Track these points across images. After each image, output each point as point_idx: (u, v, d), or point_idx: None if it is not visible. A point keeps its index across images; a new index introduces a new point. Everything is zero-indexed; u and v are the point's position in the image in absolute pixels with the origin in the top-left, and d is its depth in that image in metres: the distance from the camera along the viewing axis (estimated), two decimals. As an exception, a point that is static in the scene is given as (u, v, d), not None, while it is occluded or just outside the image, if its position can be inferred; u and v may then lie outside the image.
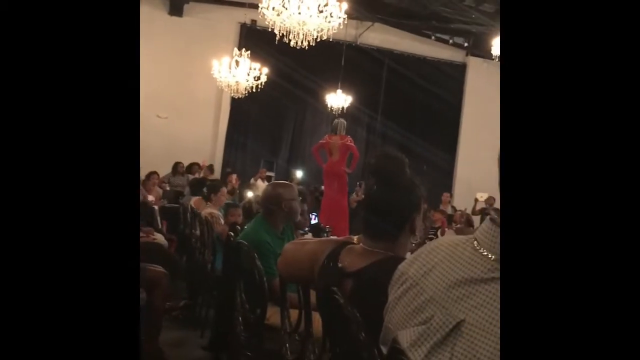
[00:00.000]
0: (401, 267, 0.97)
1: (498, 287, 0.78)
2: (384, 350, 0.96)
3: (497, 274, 0.79)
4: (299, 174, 10.81)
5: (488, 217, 0.86)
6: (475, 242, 0.85)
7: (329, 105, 10.54)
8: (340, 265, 1.41)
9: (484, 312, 0.77)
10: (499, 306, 0.76)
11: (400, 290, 0.93)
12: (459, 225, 7.47)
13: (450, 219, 8.24)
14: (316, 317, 1.67)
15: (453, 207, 9.70)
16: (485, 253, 0.82)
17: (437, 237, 7.49)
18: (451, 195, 10.67)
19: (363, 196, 1.50)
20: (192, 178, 8.23)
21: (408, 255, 1.39)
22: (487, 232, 0.84)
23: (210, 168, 10.04)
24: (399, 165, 1.45)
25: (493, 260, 0.81)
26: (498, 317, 0.75)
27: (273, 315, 2.26)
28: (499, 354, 0.73)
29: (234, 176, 9.28)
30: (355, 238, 1.56)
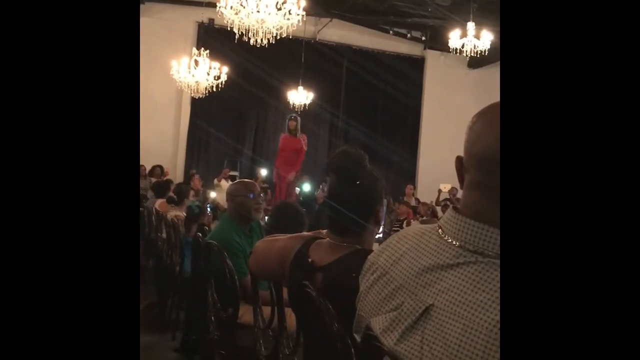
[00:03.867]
0: (371, 257, 1.01)
1: (463, 271, 0.82)
2: (358, 337, 1.00)
3: (462, 260, 0.83)
4: (263, 172, 10.77)
5: (451, 206, 0.91)
6: (440, 230, 0.90)
7: (290, 102, 10.56)
8: (310, 260, 1.44)
9: (450, 296, 0.82)
10: (464, 289, 0.81)
11: (371, 280, 0.97)
12: (424, 218, 7.59)
13: (415, 211, 8.36)
14: (289, 312, 1.70)
15: (417, 199, 9.84)
16: (450, 240, 0.87)
17: (402, 228, 7.60)
18: (414, 187, 10.82)
19: (327, 193, 1.53)
20: (155, 181, 8.13)
21: (375, 246, 1.44)
22: (450, 221, 0.88)
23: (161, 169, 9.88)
24: (358, 161, 1.48)
25: (457, 246, 0.85)
26: (464, 300, 0.80)
27: (245, 313, 2.28)
28: (467, 335, 0.77)
29: (197, 177, 9.22)
30: (324, 232, 1.59)
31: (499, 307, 0.76)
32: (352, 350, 1.07)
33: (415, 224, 7.60)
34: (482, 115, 0.87)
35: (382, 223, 1.52)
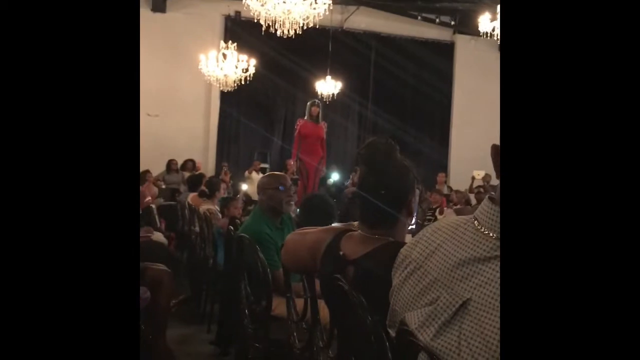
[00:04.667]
0: (404, 250, 0.99)
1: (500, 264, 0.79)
2: (392, 332, 0.98)
3: (499, 252, 0.80)
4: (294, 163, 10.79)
5: (487, 196, 0.87)
6: (476, 221, 0.86)
7: (319, 92, 10.52)
8: (341, 253, 1.42)
9: (488, 290, 0.79)
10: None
11: (404, 273, 0.94)
12: (458, 206, 7.48)
13: (447, 199, 8.26)
14: (322, 305, 1.69)
15: (449, 187, 9.72)
16: (487, 232, 0.83)
17: (435, 218, 7.54)
18: (446, 175, 10.69)
19: (357, 184, 1.51)
20: (188, 175, 8.23)
21: (408, 238, 1.41)
22: (486, 212, 0.85)
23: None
24: (389, 151, 1.46)
25: (494, 238, 0.82)
26: None
27: (279, 305, 2.28)
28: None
29: (224, 170, 9.32)
30: (355, 224, 1.57)
31: None
32: (387, 344, 1.06)
33: (449, 212, 7.52)
34: None
35: (415, 214, 1.49)
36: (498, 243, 0.81)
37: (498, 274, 0.79)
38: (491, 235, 0.83)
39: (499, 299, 0.77)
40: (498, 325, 0.75)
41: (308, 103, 7.42)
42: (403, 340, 0.90)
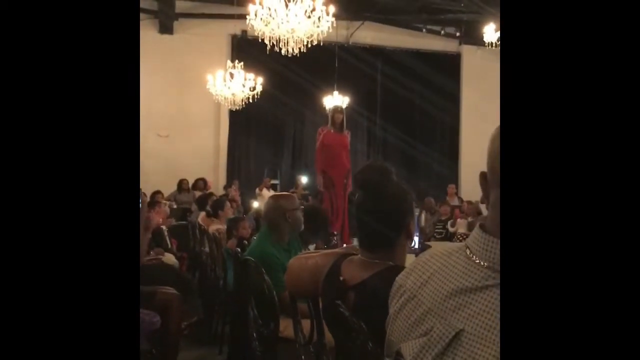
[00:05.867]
0: (399, 279, 0.98)
1: (493, 294, 0.79)
2: (390, 362, 0.97)
3: (491, 282, 0.80)
4: (304, 179, 10.82)
5: (478, 224, 0.87)
6: (468, 250, 0.86)
7: (326, 108, 10.56)
8: (342, 278, 1.42)
9: (481, 321, 0.78)
10: (495, 314, 0.77)
11: (399, 303, 0.94)
12: (470, 219, 7.42)
13: (460, 210, 8.22)
14: (328, 328, 1.68)
15: (460, 198, 9.68)
16: (478, 261, 0.83)
17: (446, 230, 7.47)
18: (457, 187, 10.65)
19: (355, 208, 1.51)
20: (198, 195, 8.26)
21: (411, 258, 1.40)
22: (477, 240, 0.84)
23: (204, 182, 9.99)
24: (385, 174, 1.46)
25: (486, 267, 0.81)
26: (495, 325, 0.76)
27: (287, 327, 2.27)
28: None
29: (232, 188, 9.34)
30: (357, 247, 1.57)
31: None
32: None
33: (461, 222, 7.48)
34: None
35: (414, 237, 1.49)
36: (489, 272, 0.81)
37: (490, 304, 0.78)
38: (482, 264, 0.82)
39: (491, 330, 0.76)
40: (491, 358, 0.75)
41: (330, 109, 6.53)
42: (400, 370, 0.89)
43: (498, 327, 0.75)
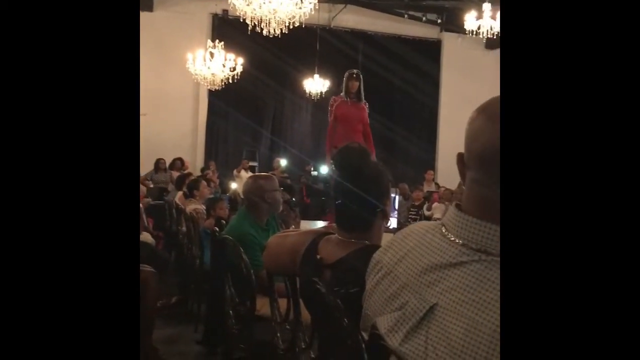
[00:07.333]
0: (376, 255, 1.01)
1: (466, 270, 0.82)
2: (365, 336, 1.00)
3: (465, 258, 0.83)
4: (282, 162, 10.81)
5: (454, 203, 0.90)
6: (443, 228, 0.89)
7: (307, 91, 10.54)
8: (319, 257, 1.44)
9: (454, 295, 0.81)
10: (468, 288, 0.80)
11: (376, 278, 0.97)
12: (447, 204, 7.51)
13: (430, 196, 8.33)
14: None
15: (437, 184, 9.78)
16: (453, 238, 0.86)
17: (419, 216, 7.56)
18: (434, 172, 10.75)
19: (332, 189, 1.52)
20: (177, 174, 8.21)
21: (387, 237, 1.43)
22: (453, 219, 0.87)
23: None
24: (362, 156, 1.48)
25: (460, 245, 0.84)
26: (467, 299, 0.79)
27: (263, 306, 2.30)
28: (470, 334, 0.76)
29: (211, 169, 9.30)
30: (335, 226, 1.59)
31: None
32: (363, 346, 1.08)
33: (437, 206, 7.56)
34: (482, 110, 0.86)
35: (390, 217, 1.52)
36: (464, 249, 0.84)
37: (463, 280, 0.81)
38: (457, 241, 0.85)
39: (463, 304, 0.79)
40: (463, 331, 0.78)
41: (345, 75, 5.35)
42: (375, 344, 0.92)
43: (471, 302, 0.78)
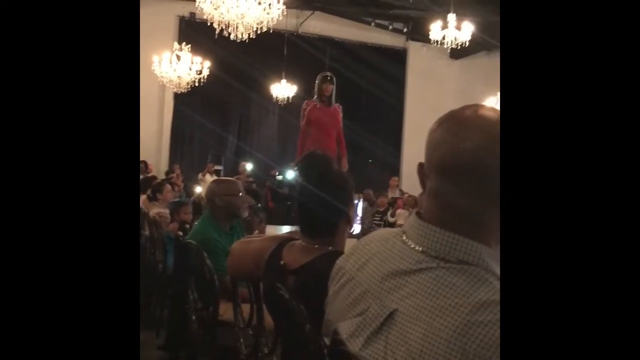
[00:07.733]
0: (339, 262, 1.03)
1: (426, 277, 0.84)
2: (327, 341, 1.02)
3: (425, 265, 0.85)
4: (248, 166, 10.77)
5: (414, 211, 0.92)
6: (404, 235, 0.91)
7: (274, 96, 10.54)
8: (282, 262, 1.46)
9: (413, 302, 0.83)
10: (426, 295, 0.82)
11: (338, 284, 0.98)
12: (411, 210, 7.62)
13: (394, 202, 8.44)
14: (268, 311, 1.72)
15: (401, 190, 9.89)
16: (413, 246, 0.88)
17: (383, 222, 7.64)
18: (399, 179, 10.87)
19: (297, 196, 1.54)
20: (141, 177, 8.09)
21: (351, 242, 1.45)
22: (413, 226, 0.90)
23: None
24: (326, 163, 1.51)
25: (420, 252, 0.87)
26: (426, 305, 0.81)
27: (227, 311, 2.29)
28: (428, 340, 0.79)
29: (176, 172, 9.21)
30: (299, 232, 1.60)
31: (459, 312, 0.77)
32: (325, 351, 1.09)
33: (400, 213, 7.65)
34: (442, 122, 0.88)
35: (353, 223, 1.54)
36: (423, 257, 0.86)
37: (423, 286, 0.84)
38: (417, 248, 0.87)
39: (423, 310, 0.82)
40: (421, 336, 0.80)
41: (318, 78, 5.19)
42: (336, 349, 0.94)
43: (429, 308, 0.81)
